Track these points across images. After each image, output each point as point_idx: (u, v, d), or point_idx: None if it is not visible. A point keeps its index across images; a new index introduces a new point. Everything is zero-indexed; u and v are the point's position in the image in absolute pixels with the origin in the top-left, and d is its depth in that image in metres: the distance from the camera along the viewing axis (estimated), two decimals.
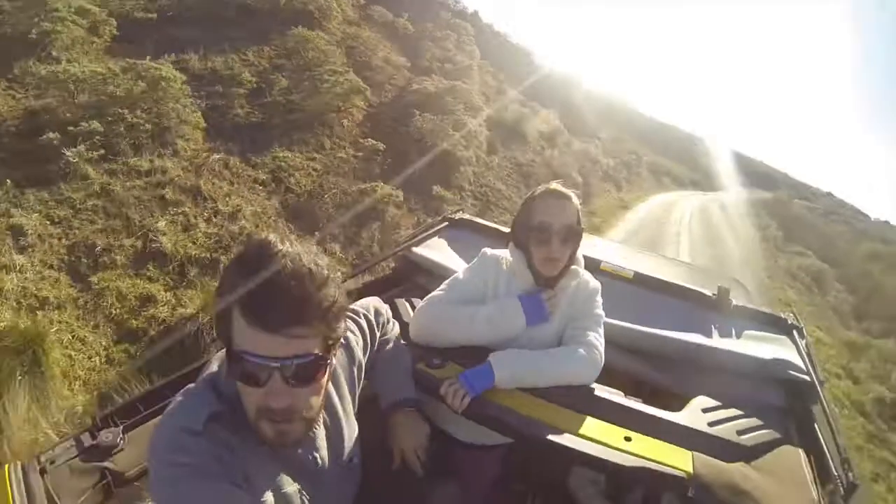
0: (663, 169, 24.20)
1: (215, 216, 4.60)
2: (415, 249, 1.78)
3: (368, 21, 10.72)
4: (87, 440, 1.03)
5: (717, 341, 1.55)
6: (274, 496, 0.75)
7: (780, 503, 1.01)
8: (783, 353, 1.53)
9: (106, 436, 1.02)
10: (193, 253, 4.11)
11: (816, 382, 1.43)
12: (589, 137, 16.74)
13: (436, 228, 1.93)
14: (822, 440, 1.25)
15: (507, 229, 1.63)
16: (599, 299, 1.32)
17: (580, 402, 1.14)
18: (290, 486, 0.79)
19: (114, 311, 3.48)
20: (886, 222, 43.72)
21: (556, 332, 1.29)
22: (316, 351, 0.70)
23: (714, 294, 1.73)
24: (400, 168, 6.64)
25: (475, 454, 1.37)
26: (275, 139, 6.13)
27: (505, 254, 1.35)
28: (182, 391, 0.76)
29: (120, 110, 4.72)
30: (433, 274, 1.70)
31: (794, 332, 1.71)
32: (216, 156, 5.27)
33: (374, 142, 6.91)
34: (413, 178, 6.59)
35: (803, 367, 1.48)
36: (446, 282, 1.35)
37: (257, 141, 5.99)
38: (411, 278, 1.78)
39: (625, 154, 19.26)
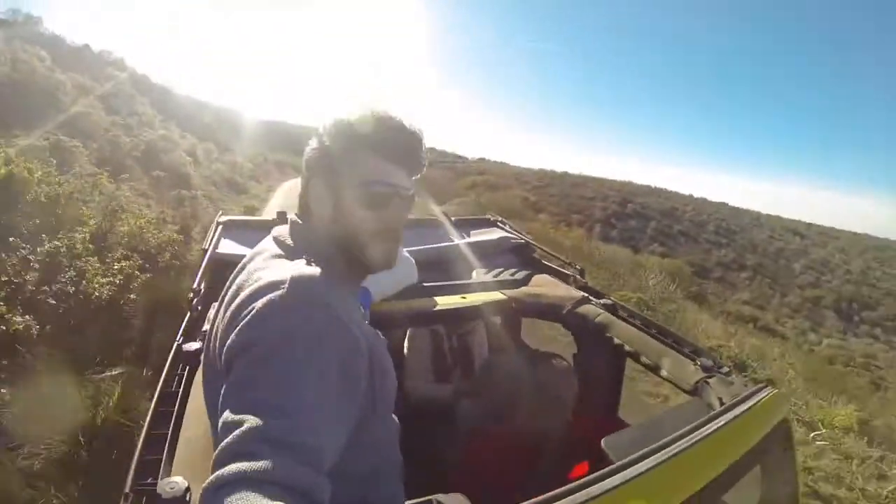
0: (286, 162, 29.69)
1: None
2: (219, 251, 1.79)
3: None
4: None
5: (460, 243, 2.15)
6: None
7: (557, 291, 1.79)
8: (502, 234, 2.33)
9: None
10: None
11: (527, 241, 2.30)
12: (225, 149, 19.43)
13: (217, 232, 1.94)
14: (548, 264, 2.12)
15: (267, 218, 2.08)
16: None
17: (424, 292, 1.66)
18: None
19: None
20: (482, 158, 54.70)
21: None
22: (413, 187, 0.89)
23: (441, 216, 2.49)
24: None
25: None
26: None
27: None
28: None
29: None
30: None
31: (497, 224, 2.52)
32: None
33: None
34: None
35: (518, 237, 2.32)
36: None
37: None
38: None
39: (256, 157, 22.85)
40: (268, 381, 0.61)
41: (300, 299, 0.69)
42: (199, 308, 1.40)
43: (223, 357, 0.69)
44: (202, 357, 0.91)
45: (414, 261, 1.69)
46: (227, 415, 0.58)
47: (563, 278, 1.95)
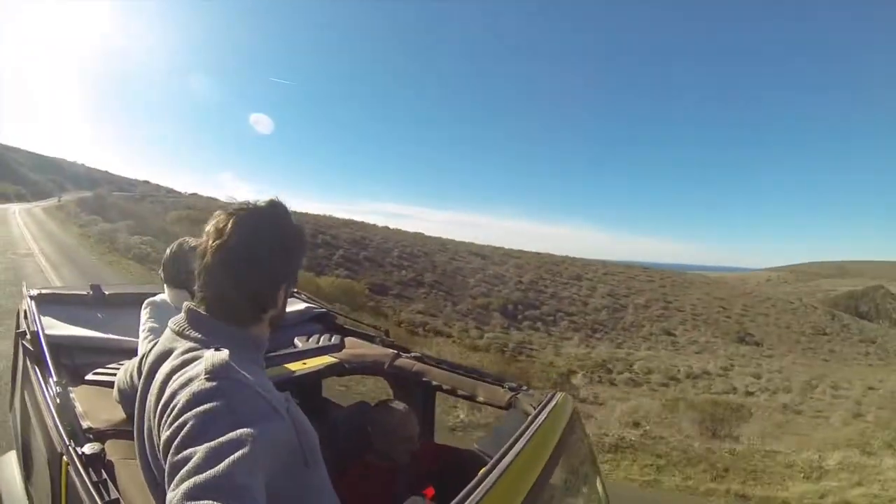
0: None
1: None
2: (51, 333, 1.56)
3: None
4: None
5: None
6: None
7: (373, 350, 2.09)
8: (304, 305, 2.51)
9: None
10: None
11: (328, 309, 2.56)
12: None
13: (31, 310, 1.71)
14: (351, 329, 2.40)
15: (82, 291, 1.96)
16: None
17: (272, 361, 1.76)
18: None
19: None
20: (195, 194, 54.90)
21: None
22: None
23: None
24: None
25: None
26: None
27: (164, 296, 1.68)
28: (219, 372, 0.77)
29: None
30: (81, 347, 1.63)
31: (294, 294, 2.60)
32: None
33: None
34: None
35: (319, 306, 2.55)
36: (146, 336, 1.48)
37: None
38: (60, 361, 1.50)
39: None
40: (204, 465, 0.64)
41: (217, 387, 0.74)
42: (70, 403, 1.21)
43: (161, 452, 0.73)
44: (113, 454, 1.03)
45: None
46: (177, 496, 0.62)
47: (370, 339, 2.27)
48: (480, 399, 1.70)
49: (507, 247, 44.08)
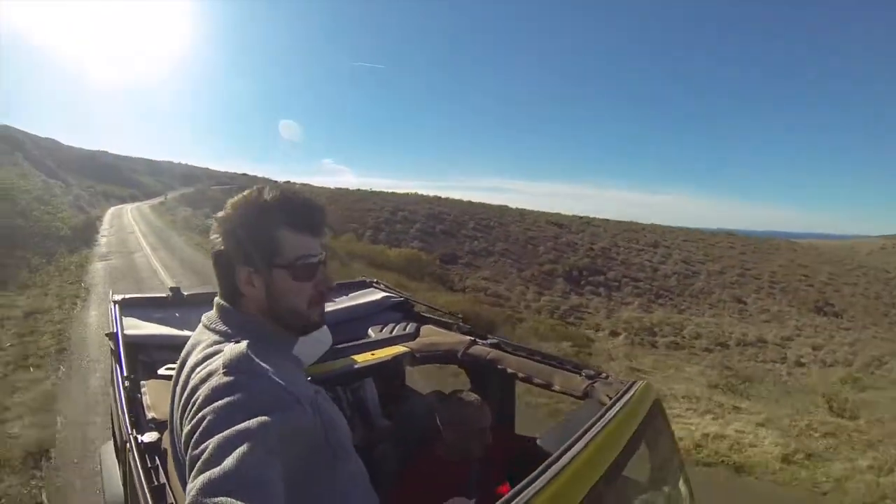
0: (109, 192, 31.45)
1: None
2: (128, 334, 1.73)
3: None
4: None
5: (343, 304, 2.33)
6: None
7: (448, 338, 2.01)
8: (382, 294, 2.53)
9: None
10: None
11: (406, 297, 2.50)
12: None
13: (117, 314, 1.88)
14: (429, 316, 2.35)
15: (163, 294, 2.10)
16: None
17: (340, 353, 1.86)
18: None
19: None
20: (287, 181, 55.25)
21: None
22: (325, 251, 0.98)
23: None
24: None
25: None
26: None
27: None
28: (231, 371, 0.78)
29: None
30: (159, 345, 1.75)
31: (374, 284, 2.64)
32: None
33: None
34: None
35: (397, 295, 2.53)
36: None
37: None
38: (137, 358, 1.69)
39: (83, 187, 25.79)
40: (221, 461, 0.65)
41: (234, 381, 0.76)
42: (139, 395, 1.38)
43: (182, 445, 0.75)
44: (168, 443, 1.02)
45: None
46: (192, 491, 0.62)
47: (447, 326, 2.17)
48: (557, 388, 1.60)
49: (596, 216, 43.96)
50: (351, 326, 2.15)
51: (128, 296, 2.09)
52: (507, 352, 1.85)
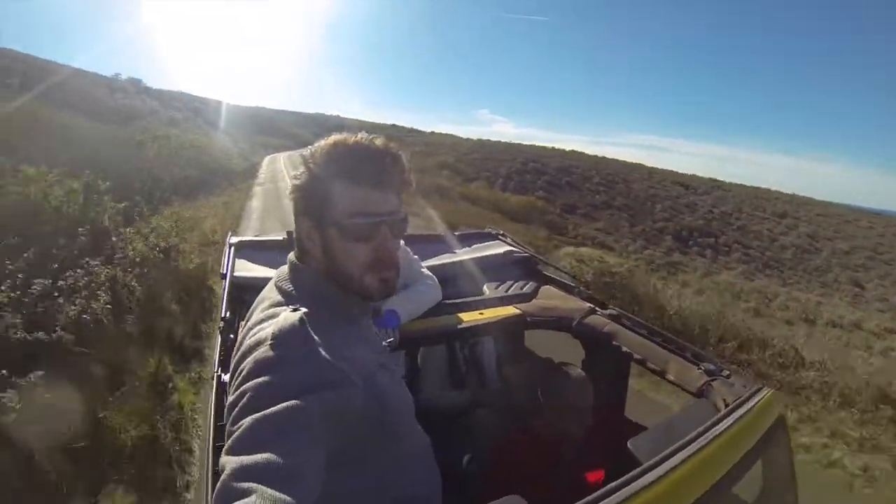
0: (266, 143, 39.14)
1: None
2: (237, 275, 1.76)
3: None
4: None
5: (463, 256, 2.20)
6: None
7: (566, 303, 1.83)
8: (505, 248, 2.34)
9: None
10: None
11: (531, 254, 2.33)
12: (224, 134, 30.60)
13: (231, 255, 1.91)
14: (552, 276, 2.14)
15: (279, 237, 2.09)
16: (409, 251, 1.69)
17: (445, 309, 1.71)
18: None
19: None
20: (433, 132, 58.38)
21: (402, 285, 1.60)
22: (402, 209, 0.85)
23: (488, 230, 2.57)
24: None
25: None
26: None
27: None
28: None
29: None
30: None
31: (499, 237, 2.51)
32: None
33: None
34: None
35: (521, 250, 2.35)
36: None
37: None
38: (244, 299, 1.67)
39: (245, 140, 34.04)
40: (255, 444, 0.62)
41: (278, 357, 0.71)
42: (232, 336, 1.36)
43: (225, 411, 0.71)
44: None
45: (436, 279, 1.73)
46: (224, 471, 0.59)
47: (569, 290, 2.01)
48: (670, 377, 1.43)
49: (743, 182, 42.35)
50: (466, 280, 2.05)
51: (244, 238, 2.11)
52: (625, 326, 1.67)
